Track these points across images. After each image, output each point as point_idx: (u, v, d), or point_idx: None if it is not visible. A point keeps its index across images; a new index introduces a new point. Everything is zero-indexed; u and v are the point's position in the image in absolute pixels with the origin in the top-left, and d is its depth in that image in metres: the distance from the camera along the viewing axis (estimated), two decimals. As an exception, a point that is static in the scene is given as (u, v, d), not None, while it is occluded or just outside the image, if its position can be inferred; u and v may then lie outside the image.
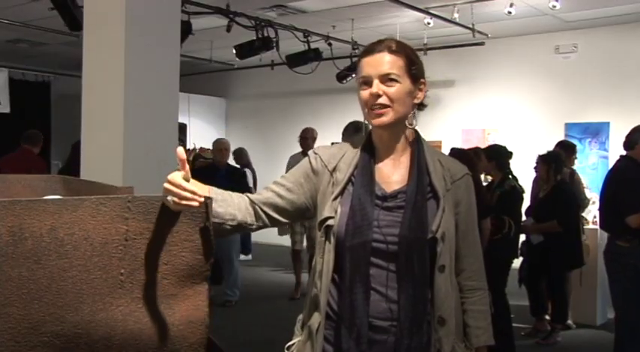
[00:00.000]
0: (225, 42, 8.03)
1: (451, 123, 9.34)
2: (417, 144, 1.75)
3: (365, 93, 1.68)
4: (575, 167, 6.12)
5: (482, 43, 8.57)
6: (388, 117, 1.67)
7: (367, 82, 1.68)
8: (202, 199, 1.43)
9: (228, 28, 7.12)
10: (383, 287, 1.63)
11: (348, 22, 7.95)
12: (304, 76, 8.16)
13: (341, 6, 7.44)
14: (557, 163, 5.24)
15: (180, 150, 1.45)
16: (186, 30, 5.99)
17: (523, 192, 4.95)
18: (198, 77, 11.22)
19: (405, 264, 1.62)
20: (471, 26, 7.98)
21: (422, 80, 1.73)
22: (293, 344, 1.76)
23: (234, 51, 7.99)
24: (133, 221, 1.40)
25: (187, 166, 1.45)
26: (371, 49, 1.71)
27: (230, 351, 1.65)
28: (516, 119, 8.96)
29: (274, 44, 7.47)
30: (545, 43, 8.72)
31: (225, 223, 1.64)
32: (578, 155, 6.27)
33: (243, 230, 1.73)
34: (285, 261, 7.94)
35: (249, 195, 1.75)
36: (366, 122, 1.77)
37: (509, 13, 7.24)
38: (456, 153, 4.77)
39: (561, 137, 7.83)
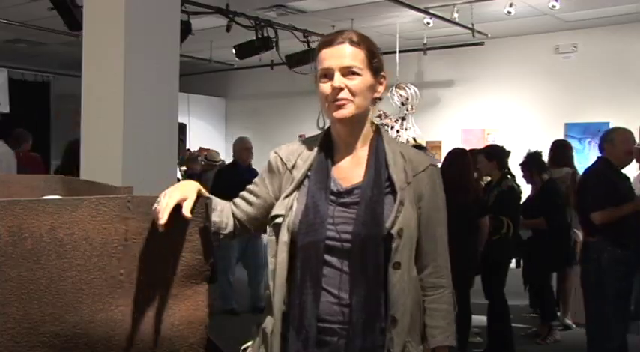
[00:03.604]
0: (224, 42, 8.02)
1: (451, 124, 9.33)
2: (376, 137, 1.69)
3: (326, 86, 1.61)
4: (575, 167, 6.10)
5: (481, 43, 8.58)
6: (349, 110, 1.60)
7: (328, 75, 1.61)
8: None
9: (228, 28, 7.11)
10: (335, 288, 1.56)
11: (347, 22, 7.94)
12: (304, 76, 8.15)
13: (341, 6, 7.44)
14: (536, 165, 5.23)
15: (187, 210, 1.44)
16: (185, 30, 5.99)
17: (521, 192, 4.94)
18: (198, 77, 11.22)
19: (358, 263, 1.55)
20: (470, 26, 7.98)
21: (382, 73, 1.68)
22: (247, 347, 1.71)
23: (233, 51, 8.00)
24: (132, 221, 1.40)
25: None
26: (330, 40, 1.63)
27: (230, 351, 1.65)
28: (516, 119, 8.95)
29: (274, 44, 7.47)
30: (544, 43, 8.72)
31: (220, 232, 1.66)
32: (578, 155, 6.25)
33: (230, 238, 1.72)
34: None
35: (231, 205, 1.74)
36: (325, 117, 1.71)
37: (509, 13, 7.23)
38: (454, 153, 4.74)
39: (561, 137, 7.82)
